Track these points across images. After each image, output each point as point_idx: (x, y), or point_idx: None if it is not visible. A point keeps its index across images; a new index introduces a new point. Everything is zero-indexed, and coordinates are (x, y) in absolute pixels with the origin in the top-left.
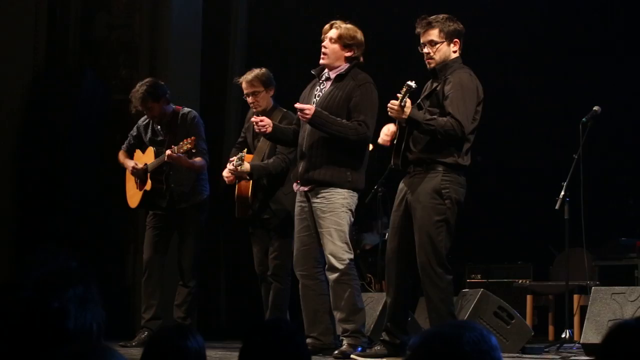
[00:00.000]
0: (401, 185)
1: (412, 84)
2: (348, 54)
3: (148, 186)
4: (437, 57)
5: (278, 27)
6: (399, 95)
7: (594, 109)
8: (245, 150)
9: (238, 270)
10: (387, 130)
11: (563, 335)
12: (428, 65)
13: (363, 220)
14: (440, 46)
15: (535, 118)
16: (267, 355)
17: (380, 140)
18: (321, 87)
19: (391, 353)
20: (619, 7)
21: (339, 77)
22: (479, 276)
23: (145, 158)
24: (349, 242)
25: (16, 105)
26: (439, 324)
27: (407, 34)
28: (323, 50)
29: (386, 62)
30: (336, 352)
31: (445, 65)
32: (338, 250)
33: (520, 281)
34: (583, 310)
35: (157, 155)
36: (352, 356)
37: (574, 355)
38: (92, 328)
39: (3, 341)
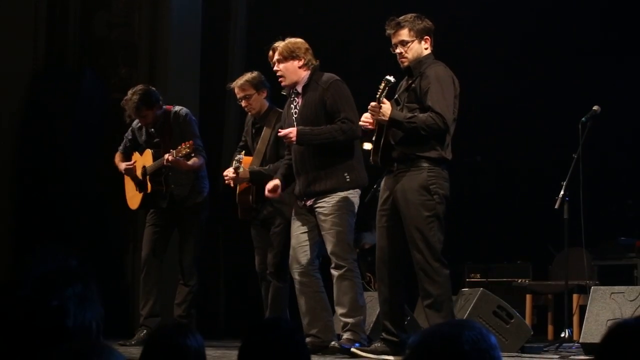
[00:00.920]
0: (383, 184)
1: (391, 78)
2: (300, 63)
3: (148, 189)
4: (410, 55)
5: (278, 26)
6: (380, 87)
7: (593, 108)
8: (243, 152)
9: (238, 270)
10: (369, 116)
11: (562, 335)
12: (401, 65)
13: (362, 220)
14: (411, 45)
15: (534, 117)
16: (267, 353)
17: (362, 125)
18: (295, 104)
19: (392, 351)
20: (619, 7)
21: (305, 89)
22: (478, 275)
23: (143, 160)
24: (351, 242)
25: (15, 104)
26: (438, 323)
27: None
28: (278, 74)
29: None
30: (334, 342)
31: (419, 62)
32: (340, 250)
33: (519, 280)
34: (582, 309)
35: (155, 157)
36: (352, 350)
37: (573, 355)
38: (91, 326)
39: (3, 340)
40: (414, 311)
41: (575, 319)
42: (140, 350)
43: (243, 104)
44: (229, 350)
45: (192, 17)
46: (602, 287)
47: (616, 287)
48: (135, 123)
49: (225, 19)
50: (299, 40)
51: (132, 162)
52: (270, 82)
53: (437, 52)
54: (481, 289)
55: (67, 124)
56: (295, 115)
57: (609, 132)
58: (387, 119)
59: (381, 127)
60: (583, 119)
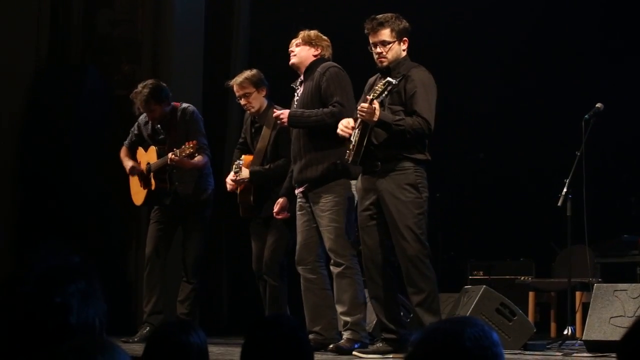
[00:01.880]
0: (364, 184)
1: (393, 80)
2: (316, 52)
3: (152, 186)
4: (390, 56)
5: (281, 22)
6: (377, 88)
7: (596, 106)
8: (243, 157)
9: (240, 267)
10: (347, 124)
11: (565, 332)
12: (380, 64)
13: None
14: (392, 45)
15: (537, 115)
16: (269, 350)
17: (339, 132)
18: (297, 92)
19: (394, 348)
20: (620, 6)
21: (306, 76)
22: (481, 273)
23: (148, 157)
24: (349, 237)
25: (18, 101)
26: (440, 320)
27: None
28: (292, 53)
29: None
30: (332, 345)
31: (398, 63)
32: (338, 247)
33: (522, 278)
34: (585, 307)
35: (159, 154)
36: (354, 353)
37: (576, 352)
38: (94, 323)
39: (5, 336)
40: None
41: (578, 316)
42: (143, 347)
43: (242, 102)
44: (231, 347)
45: (195, 13)
46: (605, 284)
47: (619, 285)
48: (142, 118)
49: (228, 16)
50: (324, 36)
51: (145, 164)
52: (269, 80)
53: (440, 51)
54: (484, 286)
55: (70, 121)
56: (296, 104)
57: (612, 129)
58: (376, 119)
59: (365, 128)
60: (586, 116)
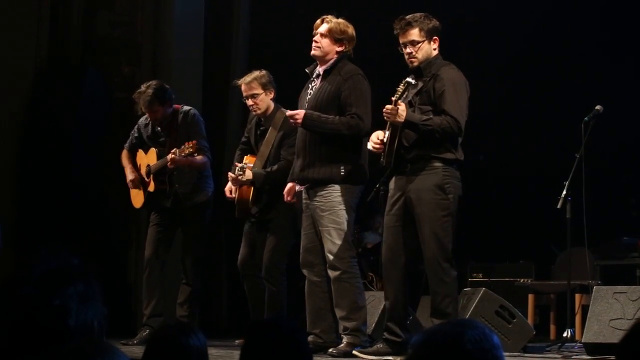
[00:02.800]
0: (394, 184)
1: (411, 80)
2: (339, 49)
3: (151, 187)
4: (420, 56)
5: (280, 24)
6: (399, 89)
7: (596, 108)
8: (246, 159)
9: None
10: (376, 138)
11: (564, 335)
12: (410, 65)
13: (364, 219)
14: (421, 45)
15: (537, 117)
16: (269, 353)
17: (370, 147)
18: (312, 84)
19: (394, 351)
20: (621, 7)
21: (327, 72)
22: (480, 275)
23: (148, 159)
24: (350, 239)
25: (18, 103)
26: (441, 322)
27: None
28: (315, 44)
29: (387, 61)
30: (332, 349)
31: (429, 62)
32: (337, 249)
33: (522, 280)
34: (585, 309)
35: (159, 156)
36: (354, 352)
37: (576, 355)
38: (93, 325)
39: (4, 338)
40: (416, 311)
41: (578, 318)
42: (142, 349)
43: (249, 102)
44: (231, 349)
45: (195, 15)
46: (604, 286)
47: (619, 287)
48: (142, 120)
49: (228, 17)
50: (350, 27)
51: (145, 167)
52: (276, 82)
53: (440, 51)
54: (483, 288)
55: (69, 123)
56: (309, 95)
57: (611, 131)
58: (402, 121)
59: (394, 129)
60: (586, 118)
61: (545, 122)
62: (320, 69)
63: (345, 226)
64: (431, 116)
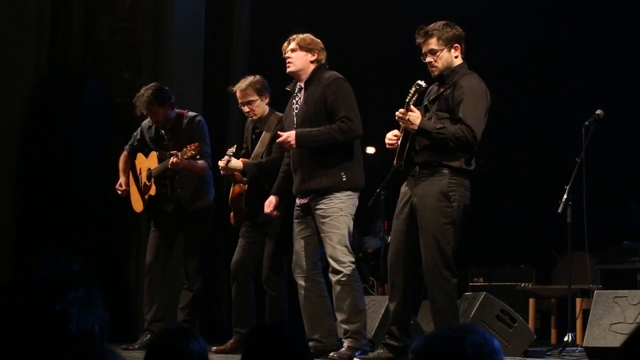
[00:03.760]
0: (404, 188)
1: (422, 83)
2: (312, 58)
3: (152, 191)
4: (440, 64)
5: (281, 30)
6: (410, 91)
7: (596, 112)
8: (235, 146)
9: None
10: (392, 135)
11: (565, 339)
12: (432, 74)
13: (365, 224)
14: (440, 53)
15: (537, 122)
16: (269, 358)
17: (388, 145)
18: (296, 99)
19: (395, 356)
20: (622, 10)
21: (308, 84)
22: (481, 279)
23: (149, 162)
24: (349, 245)
25: (19, 108)
26: (441, 327)
27: (409, 39)
28: (287, 60)
29: (394, 68)
30: (333, 353)
31: (452, 71)
32: (338, 254)
33: (522, 284)
34: (585, 313)
35: (160, 160)
36: (355, 359)
37: (576, 359)
38: (94, 331)
39: (5, 343)
40: (417, 315)
41: (579, 323)
42: (143, 354)
43: (245, 109)
44: (232, 355)
45: (195, 21)
46: (605, 291)
47: (619, 291)
48: (145, 122)
49: (228, 21)
50: (317, 39)
51: (146, 170)
52: (270, 85)
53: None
54: (484, 293)
55: (70, 128)
56: (295, 111)
57: (612, 136)
58: (416, 127)
59: (407, 132)
60: (586, 123)
61: (546, 126)
62: (300, 83)
63: (345, 231)
64: (445, 125)
